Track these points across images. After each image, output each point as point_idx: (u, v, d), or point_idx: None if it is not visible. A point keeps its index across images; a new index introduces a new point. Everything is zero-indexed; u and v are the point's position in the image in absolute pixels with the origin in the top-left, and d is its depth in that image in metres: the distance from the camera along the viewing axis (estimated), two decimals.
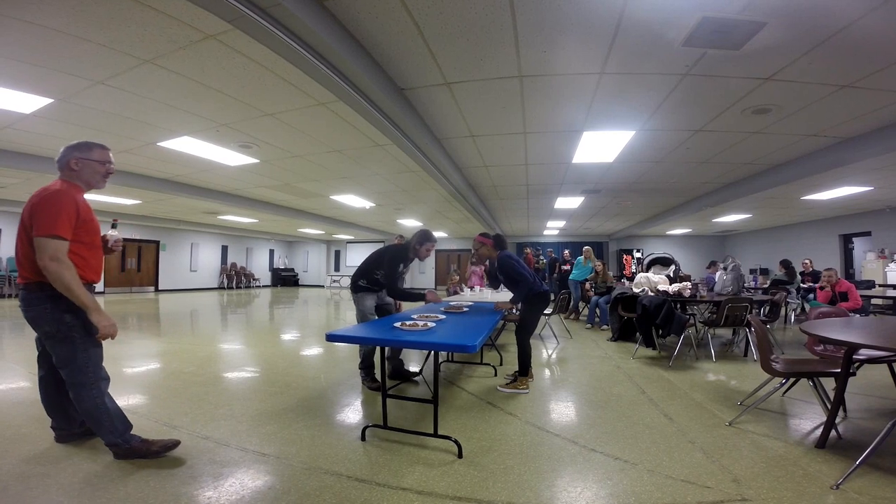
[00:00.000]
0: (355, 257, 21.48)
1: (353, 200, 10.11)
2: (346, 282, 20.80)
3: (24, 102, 4.22)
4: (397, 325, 2.62)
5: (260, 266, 21.34)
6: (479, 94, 4.07)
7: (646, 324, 5.15)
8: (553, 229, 15.88)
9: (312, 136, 5.39)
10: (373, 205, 10.67)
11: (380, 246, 20.11)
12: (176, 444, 2.33)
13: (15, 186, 8.09)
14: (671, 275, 6.25)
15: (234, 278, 19.25)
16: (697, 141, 5.50)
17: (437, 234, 17.93)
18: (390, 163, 6.61)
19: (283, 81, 3.79)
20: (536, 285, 3.68)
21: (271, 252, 22.30)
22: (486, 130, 5.18)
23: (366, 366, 3.68)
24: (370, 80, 3.42)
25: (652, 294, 5.64)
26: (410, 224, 14.64)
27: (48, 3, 2.66)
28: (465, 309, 3.75)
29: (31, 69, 3.56)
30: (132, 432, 2.27)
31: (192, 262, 17.51)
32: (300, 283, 22.99)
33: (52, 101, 4.16)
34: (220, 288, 18.64)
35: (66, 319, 2.03)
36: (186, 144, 5.69)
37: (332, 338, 2.44)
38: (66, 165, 2.15)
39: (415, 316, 3.07)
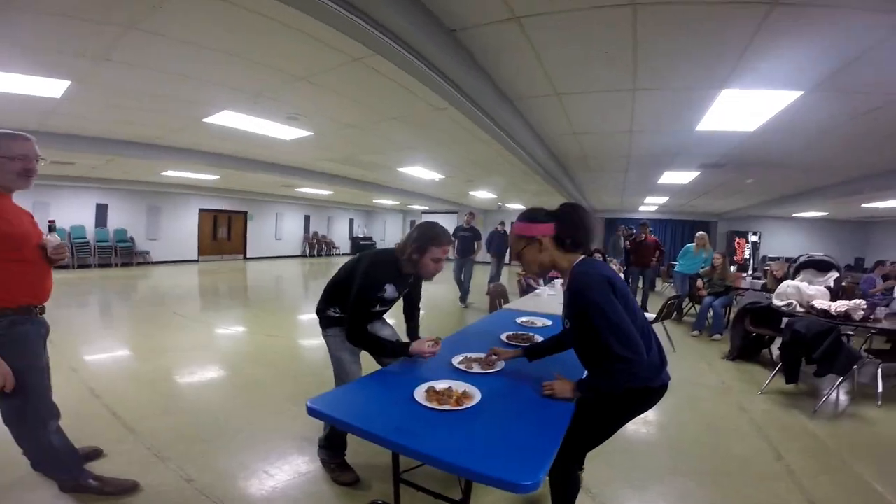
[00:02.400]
0: None
1: (420, 172, 9.26)
2: None
3: (51, 87, 4.00)
4: (421, 392, 1.67)
5: (340, 235, 21.84)
6: (567, 31, 2.81)
7: (795, 354, 3.70)
8: (651, 205, 13.75)
9: (360, 101, 4.52)
10: (442, 177, 9.76)
11: (454, 216, 19.53)
12: (135, 486, 2.13)
13: (104, 167, 8.51)
14: (832, 285, 4.52)
15: (316, 246, 19.87)
16: None
17: (512, 205, 16.59)
18: (455, 131, 5.56)
19: (302, 34, 2.92)
20: (647, 365, 1.51)
21: (351, 221, 22.69)
22: (578, 87, 3.85)
23: (335, 445, 2.31)
24: (403, 17, 2.40)
25: (802, 311, 4.09)
26: (483, 196, 13.58)
27: None
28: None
29: (46, 54, 3.27)
30: (85, 468, 2.14)
31: (277, 231, 18.26)
32: None
33: (69, 83, 3.87)
34: (303, 256, 19.34)
35: None
36: (230, 119, 5.18)
37: (314, 413, 1.59)
38: None
39: (458, 361, 2.05)
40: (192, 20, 2.77)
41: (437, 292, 9.89)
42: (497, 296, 4.67)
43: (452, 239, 2.13)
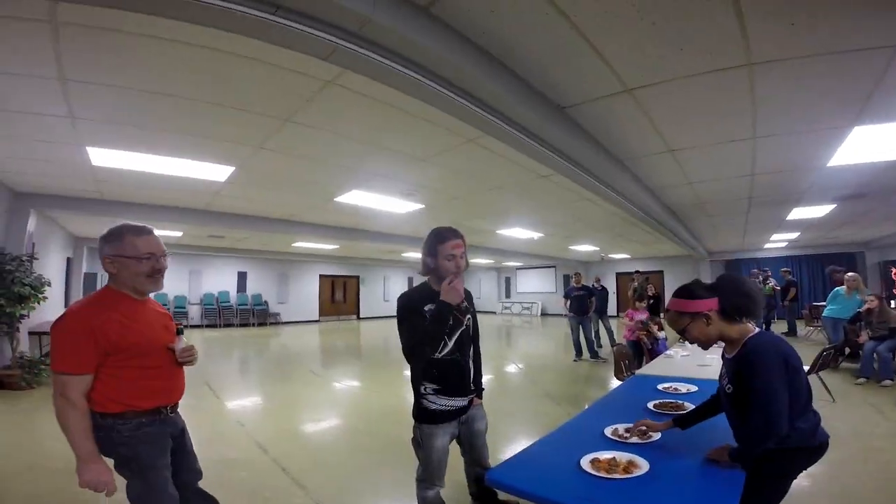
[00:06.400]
0: (526, 283, 20.83)
1: (519, 233, 9.48)
2: (517, 308, 20.57)
3: (216, 172, 4.78)
4: (587, 461, 1.63)
5: None
6: (680, 94, 2.87)
7: None
8: (779, 242, 12.20)
9: (469, 175, 4.94)
10: (541, 235, 9.83)
11: (551, 270, 19.06)
12: None
13: (248, 240, 10.23)
14: None
15: None
16: None
17: (617, 255, 15.80)
18: (559, 192, 5.72)
19: (426, 121, 3.36)
20: (798, 433, 1.54)
21: None
22: (692, 142, 3.82)
23: None
24: (516, 101, 2.67)
25: None
26: (584, 249, 13.21)
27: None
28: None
29: (215, 142, 3.88)
30: None
31: (384, 293, 19.54)
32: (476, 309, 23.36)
33: (233, 168, 4.64)
34: None
35: (120, 452, 1.70)
36: (357, 197, 5.95)
37: (494, 483, 1.67)
38: (103, 264, 1.72)
39: (610, 432, 1.93)
40: (337, 115, 3.29)
41: (548, 350, 9.71)
42: (622, 357, 4.46)
43: (461, 236, 2.09)
